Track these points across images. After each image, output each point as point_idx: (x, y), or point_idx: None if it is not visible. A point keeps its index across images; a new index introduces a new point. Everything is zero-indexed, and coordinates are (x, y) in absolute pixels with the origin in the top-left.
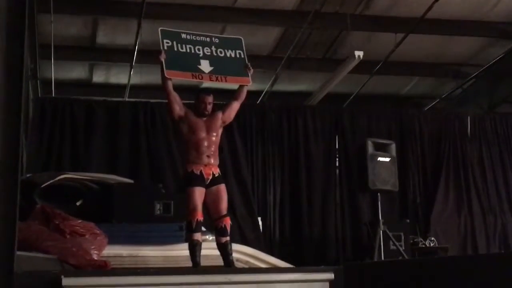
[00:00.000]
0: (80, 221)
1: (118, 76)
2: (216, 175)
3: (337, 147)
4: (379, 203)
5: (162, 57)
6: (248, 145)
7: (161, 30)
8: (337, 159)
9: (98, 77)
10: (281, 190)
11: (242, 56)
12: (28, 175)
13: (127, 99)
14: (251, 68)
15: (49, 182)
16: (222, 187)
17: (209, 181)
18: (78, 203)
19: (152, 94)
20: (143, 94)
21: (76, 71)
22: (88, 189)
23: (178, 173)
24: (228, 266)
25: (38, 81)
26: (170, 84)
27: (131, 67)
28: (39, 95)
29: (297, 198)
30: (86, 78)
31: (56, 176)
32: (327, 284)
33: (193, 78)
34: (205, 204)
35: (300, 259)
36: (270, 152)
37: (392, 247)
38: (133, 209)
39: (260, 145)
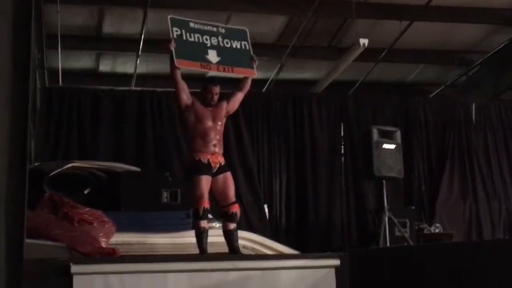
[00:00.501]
0: (88, 209)
1: (125, 65)
2: (222, 164)
3: (342, 134)
4: (384, 190)
5: (172, 46)
6: (254, 133)
7: (170, 18)
8: (342, 146)
9: (105, 66)
10: (287, 177)
11: (247, 48)
12: (36, 164)
13: (133, 88)
14: (256, 60)
15: (57, 171)
16: (228, 174)
17: (215, 169)
18: (86, 192)
19: (158, 83)
20: (150, 83)
21: (82, 61)
22: (96, 177)
23: (185, 161)
24: (234, 253)
25: (45, 70)
26: (178, 73)
27: (137, 56)
28: (46, 85)
29: (303, 185)
30: (93, 67)
31: (64, 164)
32: (333, 270)
33: (201, 68)
34: (212, 192)
35: (306, 246)
36: (276, 140)
37: (397, 233)
38: (140, 197)
39: (266, 133)
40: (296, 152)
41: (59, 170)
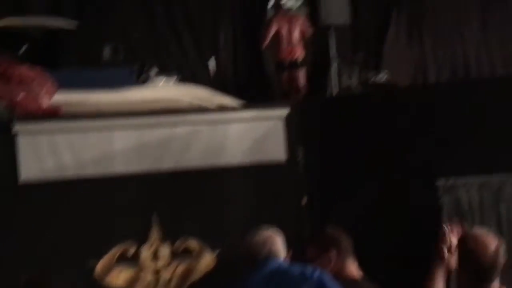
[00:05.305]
0: (27, 67)
1: None
2: None
3: None
4: (332, 38)
5: None
6: None
7: None
8: None
9: None
10: (233, 27)
11: None
12: None
13: None
14: None
15: None
16: None
17: None
18: (21, 51)
19: None
20: None
21: None
22: (32, 34)
23: (125, 15)
24: None
25: None
26: None
27: None
28: None
29: (250, 37)
30: None
31: None
32: (282, 120)
33: None
34: None
35: (254, 99)
36: None
37: (345, 82)
38: (81, 54)
39: None
40: (242, 2)
41: None
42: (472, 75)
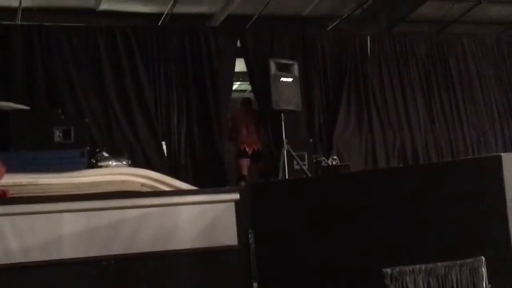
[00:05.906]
0: None
1: None
2: None
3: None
4: (283, 123)
5: None
6: (150, 68)
7: None
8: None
9: None
10: (187, 113)
11: None
12: None
13: (19, 23)
14: None
15: None
16: None
17: None
18: None
19: (46, 17)
20: (37, 17)
21: None
22: None
23: (77, 97)
24: None
25: None
26: None
27: None
28: None
29: (202, 120)
30: None
31: None
32: (233, 204)
33: None
34: None
35: (206, 182)
36: (173, 74)
37: (296, 166)
38: (31, 136)
39: (163, 68)
40: (195, 87)
41: None
42: (421, 161)
